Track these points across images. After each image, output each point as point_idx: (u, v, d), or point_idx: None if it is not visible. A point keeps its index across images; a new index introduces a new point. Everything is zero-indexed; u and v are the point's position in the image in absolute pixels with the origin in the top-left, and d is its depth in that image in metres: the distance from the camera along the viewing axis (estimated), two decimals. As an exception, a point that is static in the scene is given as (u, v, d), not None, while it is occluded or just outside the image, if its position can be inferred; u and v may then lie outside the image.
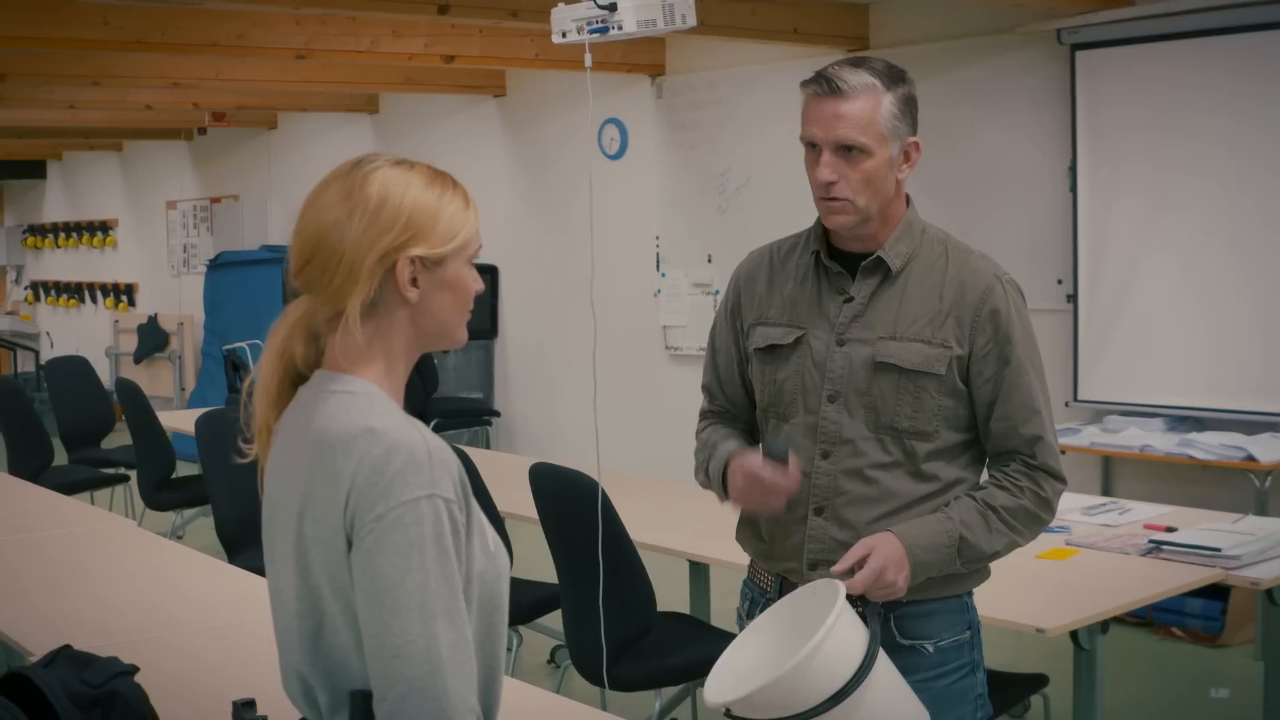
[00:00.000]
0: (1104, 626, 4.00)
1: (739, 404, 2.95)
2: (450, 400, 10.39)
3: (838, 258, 2.77)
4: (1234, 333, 6.62)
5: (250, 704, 2.56)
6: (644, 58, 9.21)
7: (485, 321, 10.86)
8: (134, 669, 2.55)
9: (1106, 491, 7.00)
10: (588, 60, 4.00)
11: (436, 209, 2.03)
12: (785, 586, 2.77)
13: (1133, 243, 6.94)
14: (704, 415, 3.04)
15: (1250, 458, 6.18)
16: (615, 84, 9.52)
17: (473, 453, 6.58)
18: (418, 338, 2.07)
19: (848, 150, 2.65)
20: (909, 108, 2.71)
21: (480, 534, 2.02)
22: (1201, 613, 6.36)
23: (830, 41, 7.86)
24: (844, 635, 2.48)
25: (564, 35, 4.12)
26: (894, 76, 2.70)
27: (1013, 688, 4.20)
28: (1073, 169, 7.11)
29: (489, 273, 10.79)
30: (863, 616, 2.54)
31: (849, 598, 2.53)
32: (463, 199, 2.07)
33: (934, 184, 7.42)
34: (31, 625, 3.77)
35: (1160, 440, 6.55)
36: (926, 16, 7.74)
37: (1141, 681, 5.95)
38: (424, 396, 9.90)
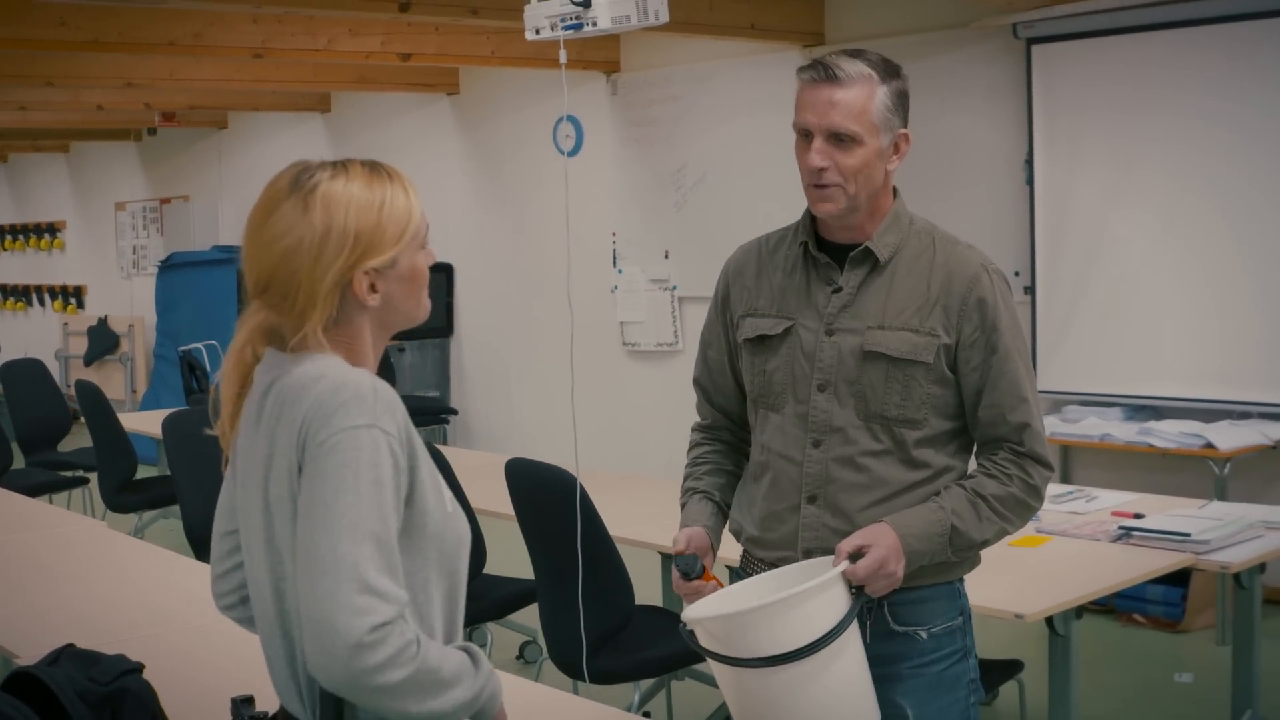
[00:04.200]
0: (1078, 612, 4.06)
1: (730, 400, 2.97)
2: (407, 399, 10.13)
3: (826, 249, 2.81)
4: (1190, 323, 6.71)
5: (249, 700, 2.57)
6: (599, 54, 9.22)
7: (441, 319, 10.84)
8: (140, 666, 2.56)
9: (1066, 480, 7.06)
10: (562, 56, 4.02)
11: (379, 216, 2.07)
12: (779, 576, 2.80)
13: (1089, 235, 7.02)
14: (695, 430, 3.08)
15: (1209, 445, 6.26)
16: (570, 81, 9.53)
17: (451, 451, 6.58)
18: (383, 330, 2.15)
19: (840, 138, 2.69)
20: (902, 101, 2.75)
21: (436, 493, 2.07)
22: (1163, 599, 6.44)
23: (787, 37, 7.90)
24: (831, 599, 2.55)
25: (537, 32, 4.14)
26: (889, 70, 2.74)
27: (989, 674, 4.23)
28: (1029, 162, 7.18)
29: (444, 270, 10.78)
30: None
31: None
32: (402, 189, 2.11)
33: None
34: (16, 627, 3.74)
35: (1119, 429, 6.63)
36: (883, 11, 7.79)
37: (1107, 667, 6.02)
38: (381, 395, 9.86)
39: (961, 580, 2.84)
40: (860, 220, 2.77)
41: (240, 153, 12.80)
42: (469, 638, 5.91)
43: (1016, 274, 7.31)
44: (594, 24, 4.01)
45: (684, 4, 7.45)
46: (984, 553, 4.03)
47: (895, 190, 2.83)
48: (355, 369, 2.04)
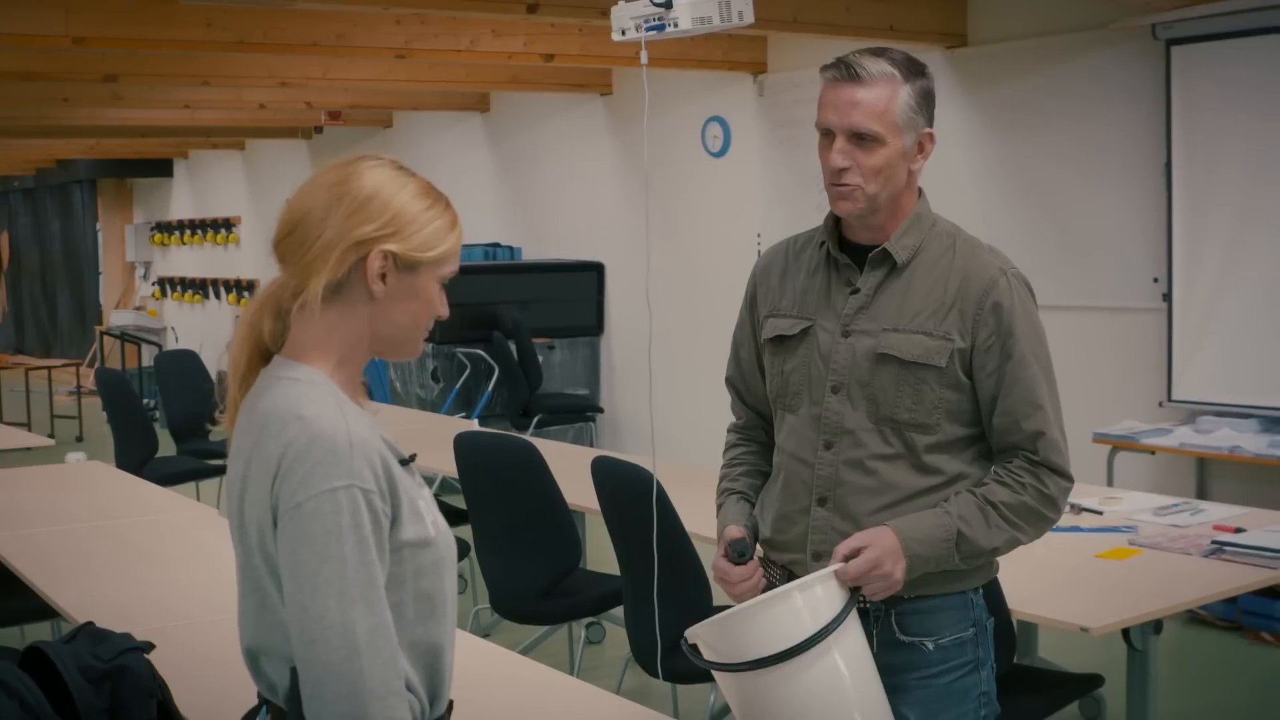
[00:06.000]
0: (1157, 627, 3.95)
1: (761, 401, 2.96)
2: (554, 396, 10.46)
3: (847, 250, 2.79)
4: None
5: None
6: (746, 55, 9.23)
7: (591, 318, 10.95)
8: (148, 646, 2.63)
9: (1201, 493, 6.89)
10: (644, 57, 4.03)
11: (423, 218, 2.10)
12: (792, 579, 2.78)
13: (1229, 241, 6.82)
14: (730, 430, 3.08)
15: (1342, 460, 6.06)
16: (718, 82, 9.56)
17: (558, 447, 6.64)
18: (372, 338, 2.12)
19: (861, 138, 2.68)
20: (926, 101, 2.72)
21: (415, 520, 2.06)
22: (1292, 617, 6.26)
23: (926, 38, 7.81)
24: (823, 598, 2.55)
25: (623, 33, 4.17)
26: (913, 69, 2.72)
27: (1065, 686, 4.16)
28: (1168, 166, 7.00)
29: (594, 270, 10.88)
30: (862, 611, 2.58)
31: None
32: (451, 220, 2.14)
33: (1028, 180, 7.36)
34: (93, 606, 3.86)
35: (1251, 441, 6.44)
36: (1022, 12, 7.67)
37: (1224, 685, 5.87)
38: (528, 392, 10.00)
39: (977, 590, 2.77)
40: (882, 220, 2.74)
41: (404, 151, 13.01)
42: (584, 631, 5.95)
43: (1155, 280, 7.15)
44: (675, 25, 4.04)
45: (820, 5, 7.44)
46: (1066, 561, 3.93)
47: (920, 191, 2.80)
48: (333, 412, 2.02)
